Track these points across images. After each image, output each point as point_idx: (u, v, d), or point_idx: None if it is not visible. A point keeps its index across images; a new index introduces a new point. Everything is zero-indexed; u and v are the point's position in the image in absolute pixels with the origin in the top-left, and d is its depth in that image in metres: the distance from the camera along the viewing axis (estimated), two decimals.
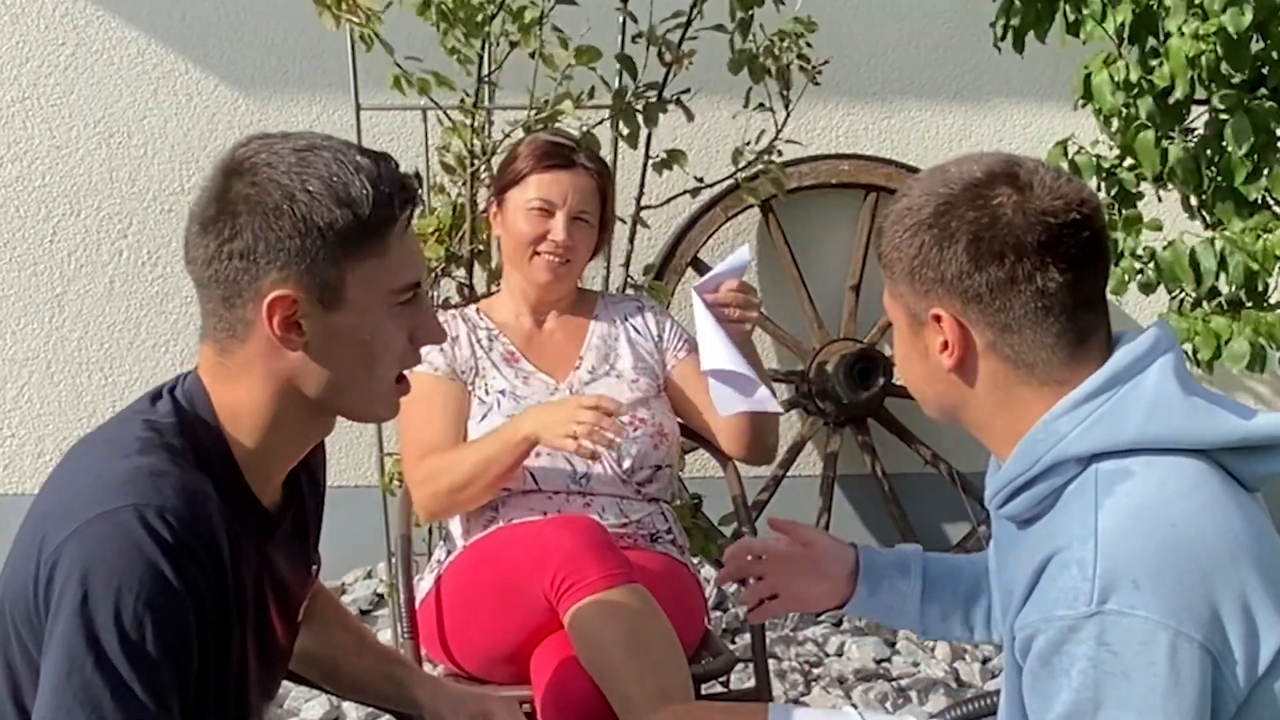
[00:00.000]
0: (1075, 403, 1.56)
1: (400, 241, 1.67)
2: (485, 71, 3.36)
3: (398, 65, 3.30)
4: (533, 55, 3.30)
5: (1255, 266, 3.31)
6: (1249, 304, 3.46)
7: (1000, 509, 1.64)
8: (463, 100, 3.36)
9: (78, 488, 1.60)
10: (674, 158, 3.51)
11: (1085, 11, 3.53)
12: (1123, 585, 1.45)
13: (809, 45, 3.50)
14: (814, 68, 3.50)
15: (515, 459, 2.68)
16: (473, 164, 3.39)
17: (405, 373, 1.75)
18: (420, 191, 1.72)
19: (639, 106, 3.42)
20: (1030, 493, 1.59)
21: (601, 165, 2.95)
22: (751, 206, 4.40)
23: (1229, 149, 3.40)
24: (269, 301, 1.62)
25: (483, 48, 3.33)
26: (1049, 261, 1.55)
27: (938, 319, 1.59)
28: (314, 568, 1.91)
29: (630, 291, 3.54)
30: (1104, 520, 1.50)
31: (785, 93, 3.53)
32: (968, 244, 1.56)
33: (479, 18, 3.27)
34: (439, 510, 2.78)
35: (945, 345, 1.60)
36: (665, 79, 3.46)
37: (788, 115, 3.56)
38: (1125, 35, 3.55)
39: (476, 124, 3.40)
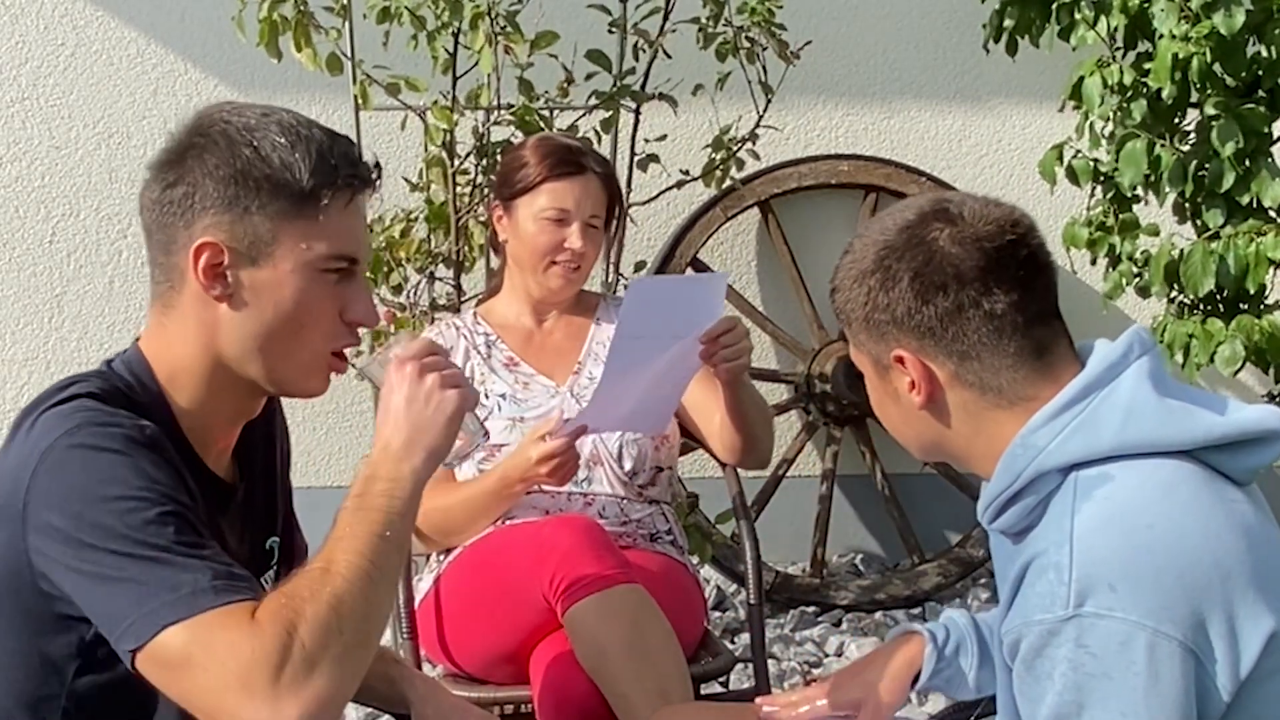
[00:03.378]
0: (1051, 414, 1.59)
1: (340, 214, 1.68)
2: (459, 72, 3.37)
3: (366, 75, 3.31)
4: (479, 49, 3.27)
5: (1238, 270, 3.30)
6: (1244, 307, 3.46)
7: (992, 523, 1.67)
8: (436, 101, 3.36)
9: (20, 456, 1.60)
10: (658, 143, 3.53)
11: (1077, 16, 3.52)
12: (1099, 588, 1.47)
13: (782, 28, 3.49)
14: (792, 52, 3.50)
15: (508, 502, 2.73)
16: (452, 164, 3.39)
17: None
18: (379, 180, 1.73)
19: (612, 92, 3.43)
20: (1018, 506, 1.61)
21: (608, 166, 2.95)
22: (751, 206, 4.40)
23: (1220, 153, 3.39)
24: (196, 247, 1.65)
25: (454, 47, 3.33)
26: (991, 285, 1.60)
27: (900, 360, 1.64)
28: (271, 540, 1.88)
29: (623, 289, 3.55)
30: (1079, 524, 1.52)
31: (764, 80, 3.53)
32: (910, 281, 1.62)
33: (440, 22, 3.27)
34: (447, 547, 2.81)
35: (912, 384, 1.65)
36: (648, 70, 3.47)
37: (768, 102, 3.55)
38: (1119, 40, 3.55)
39: (476, 124, 3.41)
